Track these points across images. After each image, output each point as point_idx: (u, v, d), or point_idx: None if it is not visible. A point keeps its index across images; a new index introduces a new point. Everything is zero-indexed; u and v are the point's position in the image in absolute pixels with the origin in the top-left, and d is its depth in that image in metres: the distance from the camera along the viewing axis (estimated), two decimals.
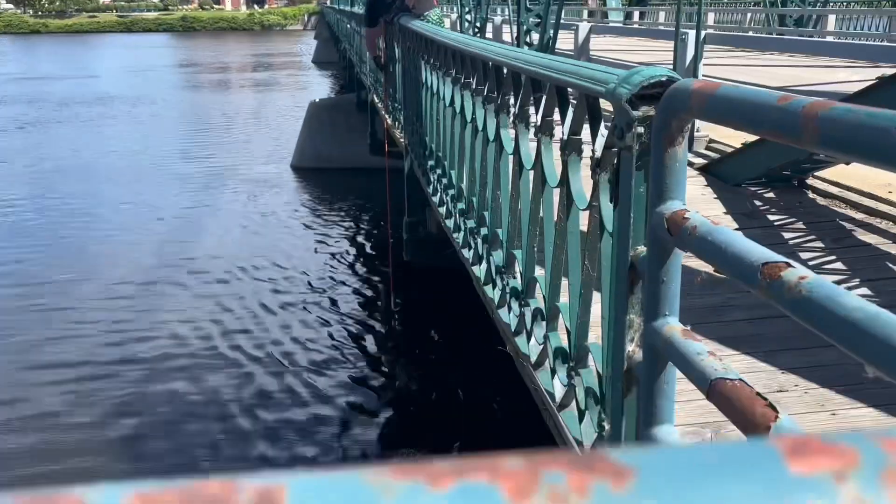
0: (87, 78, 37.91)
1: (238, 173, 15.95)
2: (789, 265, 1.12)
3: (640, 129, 1.62)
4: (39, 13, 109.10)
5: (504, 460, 0.23)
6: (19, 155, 18.44)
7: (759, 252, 1.20)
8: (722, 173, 5.22)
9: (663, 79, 1.55)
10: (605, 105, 1.89)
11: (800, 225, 4.37)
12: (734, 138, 5.62)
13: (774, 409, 1.24)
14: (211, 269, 9.94)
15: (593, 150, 1.94)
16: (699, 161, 5.68)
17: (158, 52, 59.10)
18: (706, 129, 6.16)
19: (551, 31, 10.95)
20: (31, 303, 8.93)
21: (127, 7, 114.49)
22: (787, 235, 4.24)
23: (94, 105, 27.16)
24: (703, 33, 6.38)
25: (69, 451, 5.89)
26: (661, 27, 19.86)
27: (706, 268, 2.87)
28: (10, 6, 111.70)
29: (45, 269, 10.22)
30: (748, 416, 1.25)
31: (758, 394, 1.28)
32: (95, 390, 6.87)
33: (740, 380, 1.32)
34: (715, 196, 4.93)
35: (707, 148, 6.10)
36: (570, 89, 2.20)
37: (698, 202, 4.73)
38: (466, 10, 16.06)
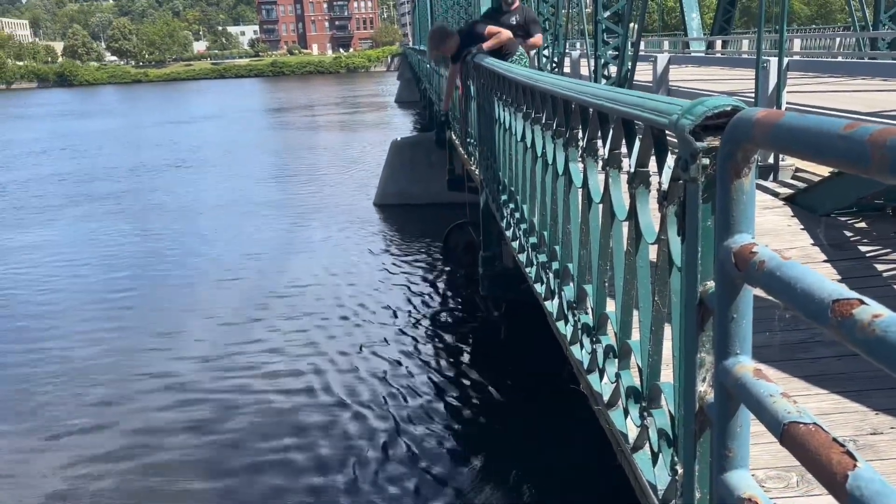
0: (184, 123, 39.85)
1: (324, 211, 16.39)
2: (862, 302, 1.05)
3: (706, 161, 1.57)
4: (140, 63, 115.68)
5: None
6: (126, 195, 19.51)
7: (830, 288, 1.13)
8: (809, 203, 5.01)
9: (728, 108, 1.50)
10: (673, 136, 1.85)
11: (895, 256, 4.13)
12: (821, 167, 5.40)
13: (853, 456, 1.15)
14: (297, 305, 10.23)
15: (660, 183, 1.89)
16: (785, 191, 5.48)
17: (250, 96, 61.68)
18: (792, 159, 5.94)
19: (629, 64, 10.84)
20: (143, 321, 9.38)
21: (220, 55, 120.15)
22: (880, 268, 4.01)
23: (190, 148, 28.48)
24: (786, 60, 6.19)
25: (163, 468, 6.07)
26: (745, 55, 19.40)
27: None
28: (115, 58, 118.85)
29: (154, 290, 10.83)
30: (823, 463, 1.17)
31: (834, 439, 1.20)
32: (192, 414, 7.10)
33: (815, 424, 1.23)
34: (801, 227, 4.72)
35: (793, 177, 5.87)
36: (636, 122, 2.16)
37: (784, 234, 4.55)
38: (545, 45, 16.12)
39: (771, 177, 5.87)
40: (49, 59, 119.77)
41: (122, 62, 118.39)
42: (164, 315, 10.12)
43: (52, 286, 11.69)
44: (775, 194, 5.49)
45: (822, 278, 1.19)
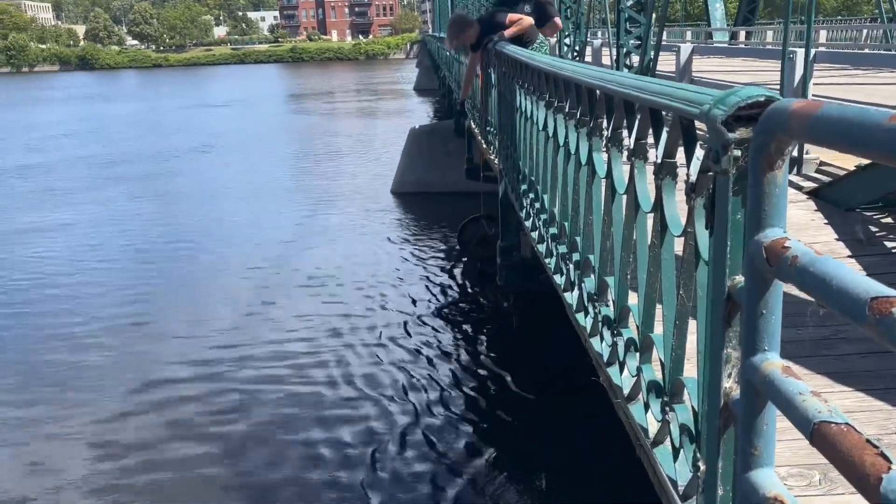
0: (204, 108, 40.01)
1: (341, 198, 16.40)
2: None
3: (737, 153, 1.53)
4: (161, 48, 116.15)
5: None
6: (147, 179, 19.64)
7: (867, 285, 1.10)
8: (833, 197, 4.93)
9: (761, 99, 1.46)
10: (702, 127, 1.81)
11: None
12: (847, 160, 5.32)
13: (887, 458, 1.12)
14: (315, 292, 10.27)
15: (688, 175, 1.85)
16: (808, 185, 5.40)
17: (269, 82, 61.77)
18: (816, 152, 5.86)
19: (652, 53, 10.73)
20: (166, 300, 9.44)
21: (240, 40, 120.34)
22: None
23: (210, 134, 28.59)
24: (812, 51, 6.09)
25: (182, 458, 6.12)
26: (769, 46, 19.14)
27: None
28: (136, 42, 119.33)
29: (172, 276, 10.87)
30: (857, 465, 1.14)
31: (868, 440, 1.17)
32: (213, 396, 7.15)
33: (847, 424, 1.20)
34: (825, 221, 4.65)
35: (817, 171, 5.79)
36: (664, 111, 2.12)
37: (807, 228, 4.48)
38: (566, 33, 15.98)
39: (795, 170, 5.79)
40: (71, 42, 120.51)
41: (142, 46, 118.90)
42: (184, 300, 10.19)
43: (77, 269, 11.80)
44: (799, 188, 5.41)
45: (859, 275, 1.15)
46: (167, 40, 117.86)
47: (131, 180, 19.61)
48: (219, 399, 7.27)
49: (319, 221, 14.55)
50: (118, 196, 17.58)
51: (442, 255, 11.92)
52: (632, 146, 2.39)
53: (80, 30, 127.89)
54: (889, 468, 1.10)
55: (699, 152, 1.90)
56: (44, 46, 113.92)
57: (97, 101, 48.64)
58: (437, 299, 9.82)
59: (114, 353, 8.46)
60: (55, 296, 10.54)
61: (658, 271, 2.23)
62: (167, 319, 9.41)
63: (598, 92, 2.90)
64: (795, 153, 5.91)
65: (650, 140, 2.35)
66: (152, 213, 15.71)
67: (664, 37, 12.61)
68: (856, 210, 4.76)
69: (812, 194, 5.19)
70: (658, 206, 2.14)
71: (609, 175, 2.72)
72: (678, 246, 2.08)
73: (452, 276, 10.84)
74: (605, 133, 2.83)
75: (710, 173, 1.70)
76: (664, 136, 2.08)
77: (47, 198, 17.63)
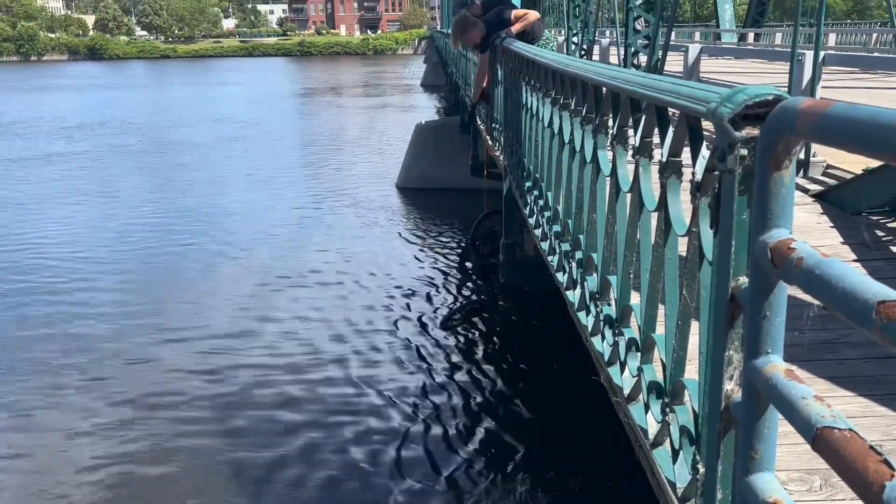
0: (212, 100, 40.04)
1: (346, 192, 16.39)
2: None
3: (744, 152, 1.50)
4: (169, 39, 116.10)
5: None
6: (156, 168, 19.67)
7: (874, 288, 1.08)
8: (840, 200, 4.89)
9: (769, 97, 1.44)
10: (708, 126, 1.78)
11: None
12: (854, 163, 5.28)
13: (891, 466, 1.10)
14: (316, 280, 10.27)
15: (693, 173, 1.83)
16: (815, 187, 5.36)
17: (277, 75, 61.78)
18: (823, 154, 5.82)
19: (660, 53, 10.67)
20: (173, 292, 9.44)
21: (248, 33, 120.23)
22: None
23: (218, 125, 28.61)
24: (822, 54, 6.05)
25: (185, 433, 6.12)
26: (777, 48, 19.05)
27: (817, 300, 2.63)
28: (144, 33, 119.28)
29: (176, 262, 10.90)
30: (859, 472, 1.11)
31: (871, 447, 1.14)
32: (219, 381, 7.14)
33: (851, 430, 1.18)
34: (831, 225, 4.62)
35: (824, 174, 5.75)
36: (670, 109, 2.10)
37: (813, 231, 4.45)
38: (573, 32, 15.94)
39: (801, 172, 5.75)
40: (80, 31, 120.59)
41: (151, 37, 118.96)
42: (181, 294, 10.15)
43: (88, 255, 11.80)
44: (805, 190, 5.37)
45: (866, 278, 1.13)
46: (176, 31, 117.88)
47: (137, 169, 19.62)
48: (215, 386, 7.27)
49: (323, 213, 14.55)
50: (123, 184, 17.58)
51: (445, 250, 11.90)
52: (637, 144, 2.36)
53: (90, 19, 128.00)
54: (892, 476, 1.08)
55: (705, 151, 1.88)
56: (53, 36, 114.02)
57: (110, 90, 48.68)
58: (439, 295, 9.81)
59: (111, 335, 8.46)
60: (65, 277, 10.56)
61: (661, 271, 2.20)
62: (163, 314, 9.38)
63: (604, 89, 2.88)
64: (802, 155, 5.87)
65: (656, 139, 2.33)
66: (156, 201, 15.72)
67: (672, 37, 12.55)
68: (862, 214, 4.72)
69: (818, 197, 5.15)
70: (662, 205, 2.12)
71: (614, 173, 2.69)
72: (682, 246, 2.06)
73: (455, 272, 10.83)
74: (610, 131, 2.81)
75: (716, 172, 1.68)
76: (670, 134, 2.06)
77: (58, 187, 17.64)
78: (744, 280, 1.58)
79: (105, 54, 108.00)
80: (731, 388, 1.67)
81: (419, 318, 8.94)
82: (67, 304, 9.64)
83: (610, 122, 2.85)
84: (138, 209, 15.07)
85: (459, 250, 11.77)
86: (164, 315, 9.28)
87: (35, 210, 15.19)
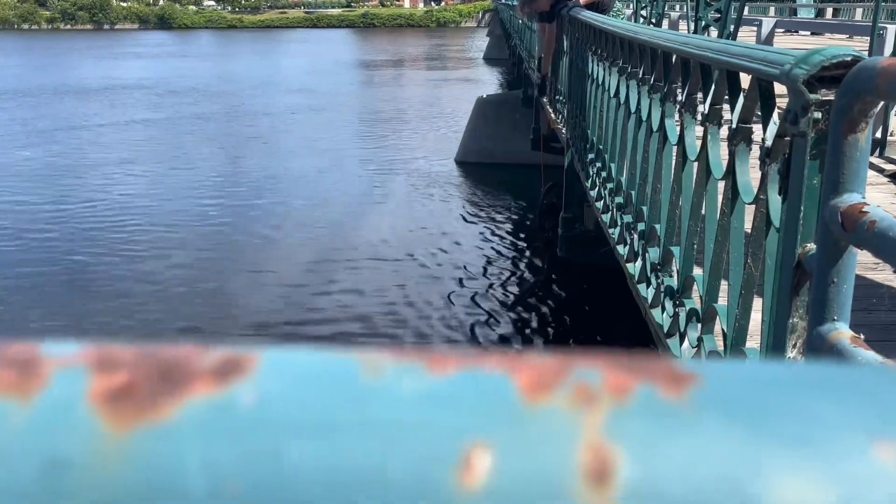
0: (279, 71, 40.65)
1: (405, 166, 16.46)
2: None
3: (818, 115, 1.47)
4: (236, 9, 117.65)
5: (530, 354, 0.19)
6: (226, 140, 20.15)
7: None
8: None
9: (847, 58, 1.40)
10: (780, 91, 1.75)
11: None
12: None
13: None
14: (374, 254, 10.38)
15: (763, 139, 1.80)
16: (891, 167, 5.18)
17: (341, 47, 62.22)
18: None
19: (731, 27, 10.38)
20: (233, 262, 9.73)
21: (313, 3, 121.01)
22: None
23: (283, 96, 29.03)
24: None
25: None
26: (858, 23, 18.27)
27: (893, 282, 2.59)
28: (212, 3, 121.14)
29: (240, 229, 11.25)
30: None
31: None
32: None
33: None
34: None
35: None
36: (742, 75, 2.06)
37: (888, 211, 4.31)
38: (642, 5, 15.59)
39: (878, 152, 5.55)
40: (150, 1, 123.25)
41: (218, 7, 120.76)
42: (242, 263, 10.35)
43: (158, 223, 12.19)
44: (881, 170, 5.19)
45: None
46: (242, 2, 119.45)
47: (207, 138, 20.08)
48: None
49: (383, 185, 14.66)
50: (195, 147, 18.03)
51: (503, 224, 11.88)
52: (706, 111, 2.33)
53: None
54: None
55: (775, 118, 1.84)
56: (125, 5, 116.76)
57: (182, 59, 49.67)
58: (496, 267, 9.81)
59: (170, 297, 8.74)
60: (135, 239, 10.94)
61: (726, 240, 2.18)
62: (222, 279, 9.60)
63: (674, 56, 2.83)
64: (879, 134, 5.67)
65: (725, 106, 2.29)
66: (225, 171, 16.08)
67: (746, 11, 12.17)
68: None
69: (894, 178, 4.97)
70: (730, 173, 2.09)
71: (681, 142, 2.65)
72: (749, 215, 2.03)
73: (513, 246, 10.81)
74: (678, 99, 2.77)
75: (787, 138, 1.65)
76: (741, 100, 2.02)
77: (134, 151, 18.21)
78: (811, 247, 1.55)
79: (174, 23, 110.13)
80: (794, 356, 1.66)
81: (472, 291, 8.96)
82: (144, 261, 9.99)
83: (678, 91, 2.80)
84: (208, 178, 15.43)
85: (512, 226, 11.73)
86: (220, 279, 9.52)
87: (125, 170, 15.77)
